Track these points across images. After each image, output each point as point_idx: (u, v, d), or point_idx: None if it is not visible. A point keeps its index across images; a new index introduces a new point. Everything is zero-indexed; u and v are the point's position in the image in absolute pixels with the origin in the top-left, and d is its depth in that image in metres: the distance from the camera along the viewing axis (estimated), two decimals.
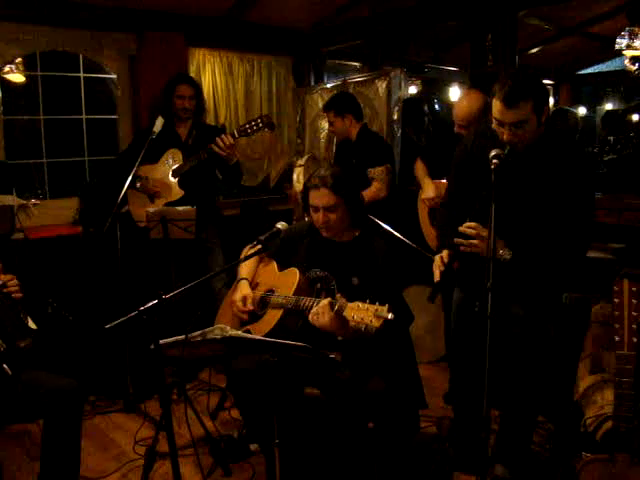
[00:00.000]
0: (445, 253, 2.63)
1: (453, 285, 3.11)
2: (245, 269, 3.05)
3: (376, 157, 4.36)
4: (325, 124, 5.50)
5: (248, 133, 4.00)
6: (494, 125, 2.56)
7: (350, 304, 2.41)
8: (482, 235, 2.50)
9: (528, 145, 2.56)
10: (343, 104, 4.48)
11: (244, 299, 2.93)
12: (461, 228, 2.55)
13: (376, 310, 2.30)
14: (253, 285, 3.04)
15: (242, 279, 3.03)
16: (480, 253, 2.50)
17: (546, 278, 2.68)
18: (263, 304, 2.93)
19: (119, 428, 3.70)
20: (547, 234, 2.55)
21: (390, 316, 2.28)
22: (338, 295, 2.60)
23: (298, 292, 2.76)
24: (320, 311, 2.51)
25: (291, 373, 2.66)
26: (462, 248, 2.55)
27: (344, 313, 2.41)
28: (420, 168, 4.15)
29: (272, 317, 2.79)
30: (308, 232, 3.01)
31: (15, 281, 2.69)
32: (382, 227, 3.60)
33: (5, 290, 2.64)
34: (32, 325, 2.68)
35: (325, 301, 2.51)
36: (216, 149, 3.94)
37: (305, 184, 2.92)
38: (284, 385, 2.60)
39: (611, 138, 6.55)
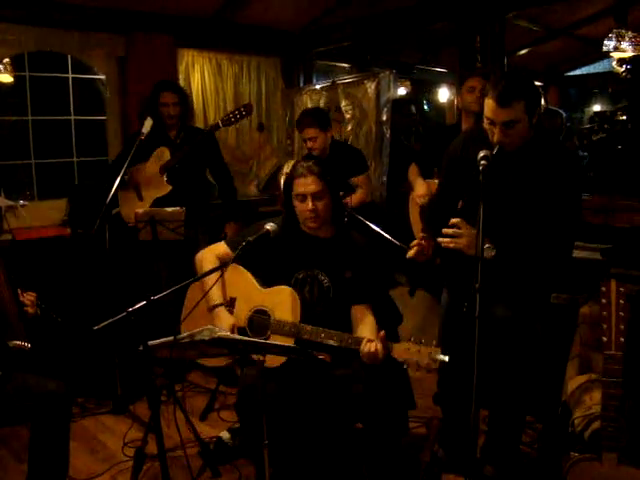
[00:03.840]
0: (419, 238, 2.68)
1: (442, 285, 3.12)
2: (215, 290, 2.81)
3: (357, 166, 4.46)
4: None
5: (232, 122, 4.10)
6: (485, 124, 2.57)
7: (397, 345, 2.38)
8: (462, 232, 2.52)
9: (518, 146, 2.57)
10: (325, 118, 4.42)
11: (232, 330, 2.76)
12: (444, 230, 2.57)
13: (430, 353, 2.28)
14: (228, 301, 2.89)
15: (216, 306, 2.84)
16: (462, 250, 2.53)
17: (530, 277, 2.69)
18: (258, 327, 2.78)
19: (108, 430, 3.68)
20: (532, 233, 2.56)
21: (446, 359, 2.27)
22: (383, 333, 2.47)
23: (302, 317, 2.68)
24: (372, 352, 2.43)
25: (282, 375, 2.66)
26: (444, 245, 2.57)
27: (393, 353, 2.38)
28: (413, 170, 4.19)
29: None
30: (285, 233, 2.86)
31: (32, 297, 2.74)
32: (370, 227, 3.60)
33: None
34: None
35: (379, 345, 2.42)
36: None
37: (290, 174, 2.87)
38: (276, 387, 2.60)
39: (596, 119, 6.60)
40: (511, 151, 2.56)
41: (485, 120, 2.55)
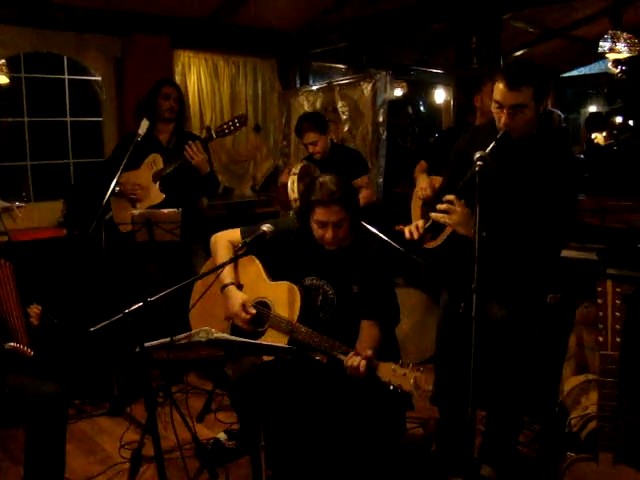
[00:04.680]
0: (421, 222, 2.67)
1: (439, 285, 3.13)
2: (227, 271, 2.85)
3: (359, 168, 4.48)
4: None
5: (225, 133, 4.05)
6: (493, 107, 2.58)
7: (383, 365, 2.37)
8: (455, 209, 2.52)
9: (520, 138, 2.58)
10: (323, 121, 4.43)
11: (244, 306, 2.79)
12: (438, 205, 2.56)
13: (415, 379, 2.26)
14: (236, 286, 2.92)
15: (228, 285, 2.86)
16: (453, 227, 2.56)
17: (516, 269, 2.68)
18: (258, 319, 2.80)
19: (104, 432, 3.68)
20: (523, 224, 2.56)
21: (431, 388, 2.26)
22: (371, 352, 2.46)
23: (300, 318, 2.69)
24: (355, 366, 2.44)
25: (279, 375, 2.66)
26: (435, 219, 2.56)
27: (378, 373, 2.37)
28: (420, 166, 4.19)
29: (277, 342, 2.65)
30: (299, 235, 2.87)
31: (37, 310, 2.80)
32: (370, 230, 3.61)
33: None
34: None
35: (363, 361, 2.42)
36: (187, 156, 3.97)
37: (309, 198, 2.74)
38: (273, 387, 2.60)
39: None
40: (515, 140, 2.57)
41: (493, 104, 2.57)
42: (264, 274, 2.89)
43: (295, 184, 4.28)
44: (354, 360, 2.44)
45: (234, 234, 2.99)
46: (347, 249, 2.83)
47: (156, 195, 4.11)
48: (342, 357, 2.51)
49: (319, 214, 2.69)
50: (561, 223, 2.61)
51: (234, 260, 2.72)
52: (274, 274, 2.89)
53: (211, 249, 3.04)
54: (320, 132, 4.33)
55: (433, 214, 2.56)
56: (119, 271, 4.19)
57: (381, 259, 2.84)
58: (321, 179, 2.75)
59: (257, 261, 2.92)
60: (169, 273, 4.10)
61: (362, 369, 2.40)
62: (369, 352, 2.43)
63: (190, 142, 3.98)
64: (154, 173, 4.10)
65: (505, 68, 2.54)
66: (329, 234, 2.70)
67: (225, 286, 2.87)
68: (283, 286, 2.79)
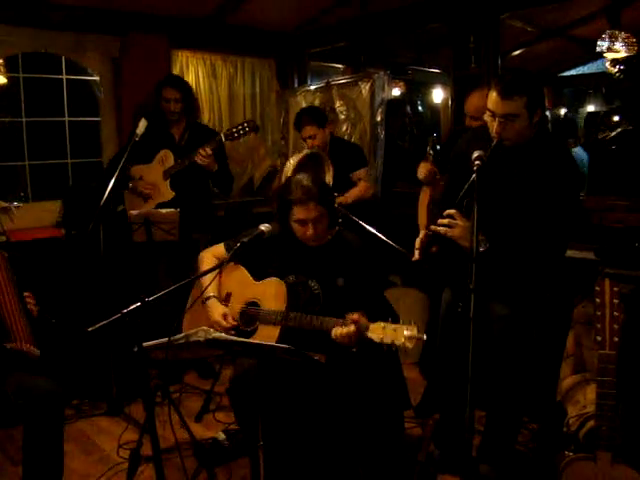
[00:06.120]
0: (422, 233, 2.72)
1: (439, 284, 3.14)
2: (211, 286, 2.82)
3: (357, 161, 4.50)
4: None
5: (235, 137, 4.06)
6: (486, 116, 2.62)
7: (373, 325, 2.40)
8: (457, 222, 2.56)
9: (517, 144, 2.60)
10: (322, 115, 4.46)
11: (224, 317, 2.82)
12: (440, 220, 2.61)
13: (406, 329, 2.30)
14: (223, 297, 2.95)
15: (210, 297, 2.90)
16: (455, 240, 2.58)
17: (519, 272, 2.70)
18: (248, 319, 2.85)
19: (103, 432, 3.68)
20: (525, 230, 2.59)
21: (424, 337, 2.28)
22: (357, 316, 2.50)
23: (289, 306, 2.72)
24: (343, 332, 2.49)
25: (277, 375, 2.66)
26: (432, 227, 2.62)
27: (368, 334, 2.40)
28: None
29: (269, 335, 2.72)
30: (280, 236, 2.88)
31: (31, 299, 2.82)
32: (365, 228, 3.60)
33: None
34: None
35: (352, 327, 2.47)
36: (198, 160, 3.97)
37: (286, 194, 2.79)
38: (271, 386, 2.60)
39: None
40: (510, 147, 2.59)
41: (487, 112, 2.61)
42: (250, 277, 2.94)
43: (293, 168, 4.21)
44: (342, 329, 2.49)
45: (219, 249, 3.05)
46: (328, 245, 2.88)
47: (167, 192, 4.13)
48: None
49: (298, 213, 2.75)
50: (563, 226, 2.63)
51: (232, 259, 2.73)
52: (259, 277, 2.92)
53: (197, 268, 3.05)
54: (319, 126, 4.34)
55: (433, 227, 2.62)
56: (118, 271, 4.18)
57: (364, 253, 2.90)
58: (296, 178, 2.82)
59: (242, 267, 2.97)
60: (169, 272, 4.11)
61: (351, 329, 2.44)
62: (355, 316, 2.47)
63: (200, 149, 3.98)
64: (164, 170, 4.12)
65: (499, 77, 2.59)
66: (310, 231, 2.75)
67: (207, 298, 2.91)
68: (268, 283, 2.85)
